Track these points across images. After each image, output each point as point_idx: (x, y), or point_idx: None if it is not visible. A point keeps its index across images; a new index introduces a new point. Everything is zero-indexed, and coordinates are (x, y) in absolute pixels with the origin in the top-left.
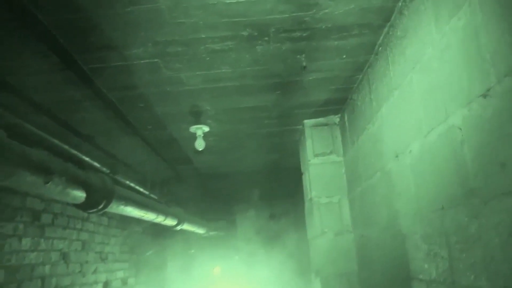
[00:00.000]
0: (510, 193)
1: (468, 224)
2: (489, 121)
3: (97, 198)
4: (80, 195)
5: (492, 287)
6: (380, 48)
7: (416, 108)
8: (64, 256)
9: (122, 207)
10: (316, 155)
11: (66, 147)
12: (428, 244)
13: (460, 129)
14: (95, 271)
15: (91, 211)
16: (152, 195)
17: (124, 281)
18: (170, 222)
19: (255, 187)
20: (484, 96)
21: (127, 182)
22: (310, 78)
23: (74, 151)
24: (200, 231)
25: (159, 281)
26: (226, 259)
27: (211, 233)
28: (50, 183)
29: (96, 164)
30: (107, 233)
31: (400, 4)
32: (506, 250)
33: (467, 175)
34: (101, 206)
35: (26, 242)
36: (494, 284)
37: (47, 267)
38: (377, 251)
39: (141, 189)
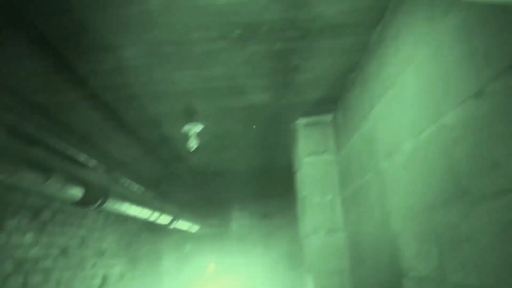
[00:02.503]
0: (502, 193)
1: (459, 223)
2: (482, 121)
3: (94, 196)
4: (78, 192)
5: (481, 285)
6: (373, 47)
7: (409, 108)
8: (64, 251)
9: (118, 204)
10: (308, 154)
11: (62, 146)
12: (419, 243)
13: (453, 128)
14: (93, 266)
15: (88, 208)
16: (146, 194)
17: (121, 276)
18: (164, 219)
19: (249, 186)
20: (477, 95)
21: (122, 180)
22: (303, 77)
23: (70, 151)
24: (194, 228)
25: (155, 276)
26: (220, 256)
27: (205, 230)
28: (49, 180)
29: (92, 163)
30: (104, 230)
31: (393, 3)
32: (496, 249)
33: (459, 174)
34: (98, 204)
35: (29, 237)
36: (484, 282)
37: (49, 261)
38: (369, 249)
39: (136, 188)
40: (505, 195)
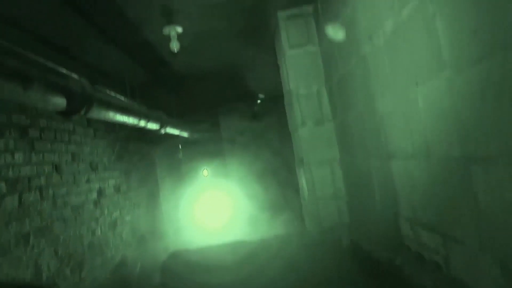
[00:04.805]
0: (482, 59)
1: (441, 97)
2: None
3: (78, 104)
4: (60, 101)
5: (465, 154)
6: None
7: None
8: (57, 168)
9: (104, 111)
10: (291, 47)
11: (41, 59)
12: (404, 122)
13: (432, 2)
14: (88, 181)
15: (74, 116)
16: (132, 101)
17: (117, 188)
18: (153, 125)
19: (236, 86)
20: None
21: (107, 91)
22: None
23: (50, 64)
24: (184, 134)
25: (150, 185)
26: (213, 160)
27: (195, 135)
28: (29, 90)
29: (74, 75)
30: (95, 144)
31: None
32: (477, 116)
33: (439, 47)
34: (83, 111)
35: (18, 156)
36: (466, 150)
37: (42, 179)
38: (357, 135)
39: (122, 98)
40: (484, 61)
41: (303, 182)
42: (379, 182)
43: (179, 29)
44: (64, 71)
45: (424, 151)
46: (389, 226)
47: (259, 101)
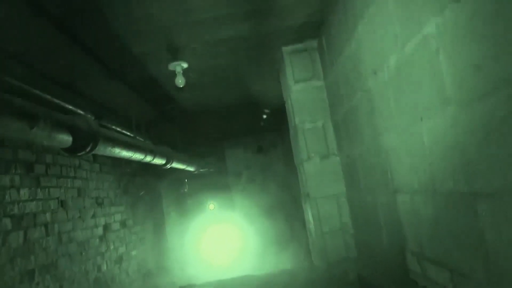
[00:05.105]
0: (485, 96)
1: (446, 133)
2: (463, 26)
3: (84, 141)
4: (66, 138)
5: (470, 190)
6: None
7: (391, 22)
8: (62, 204)
9: (109, 148)
10: (296, 82)
11: (48, 96)
12: (409, 157)
13: (434, 37)
14: (93, 216)
15: (79, 154)
16: (138, 138)
17: (123, 223)
18: (159, 161)
19: (241, 121)
20: (457, 0)
21: (113, 126)
22: (285, 2)
23: (56, 100)
24: (190, 168)
25: (156, 219)
26: (219, 194)
27: (201, 170)
28: (35, 128)
29: (80, 111)
30: (100, 179)
31: None
32: (482, 152)
33: (443, 83)
34: (88, 149)
35: (24, 193)
36: (472, 186)
37: (48, 215)
38: (363, 170)
39: (127, 133)
40: (488, 98)
41: (309, 217)
42: (385, 217)
43: (185, 65)
44: (70, 107)
45: (430, 186)
46: (396, 260)
47: (264, 116)
